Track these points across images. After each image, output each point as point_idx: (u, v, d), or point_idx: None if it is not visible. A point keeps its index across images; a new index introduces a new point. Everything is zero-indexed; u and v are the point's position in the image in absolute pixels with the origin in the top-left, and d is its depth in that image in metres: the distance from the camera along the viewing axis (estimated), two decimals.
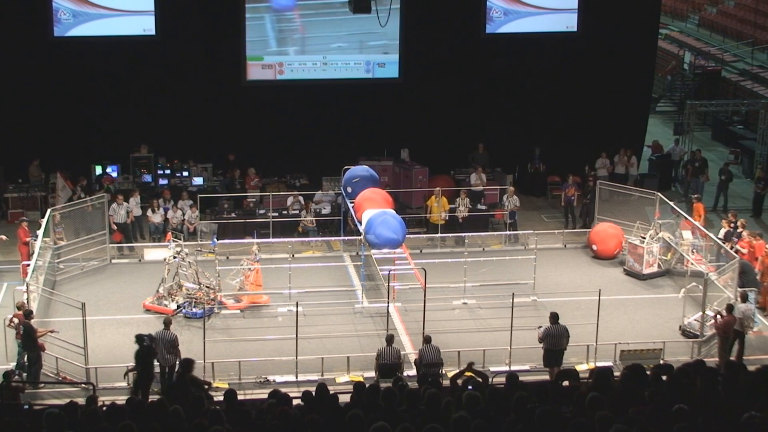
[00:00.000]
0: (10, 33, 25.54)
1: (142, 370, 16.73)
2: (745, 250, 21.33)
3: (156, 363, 17.08)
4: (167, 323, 17.31)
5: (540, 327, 17.76)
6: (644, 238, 22.51)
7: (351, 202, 22.23)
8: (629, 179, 27.71)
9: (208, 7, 26.54)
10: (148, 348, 16.85)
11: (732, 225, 22.65)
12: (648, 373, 11.06)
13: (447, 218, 24.40)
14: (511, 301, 18.35)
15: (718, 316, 18.65)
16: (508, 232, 24.47)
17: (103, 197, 23.41)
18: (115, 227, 23.41)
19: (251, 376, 17.67)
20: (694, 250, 22.23)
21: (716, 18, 41.60)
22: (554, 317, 17.61)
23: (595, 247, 23.58)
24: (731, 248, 21.38)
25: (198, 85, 26.64)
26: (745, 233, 22.17)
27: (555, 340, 17.48)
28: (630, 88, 28.64)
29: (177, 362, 17.13)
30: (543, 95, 28.09)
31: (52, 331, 17.90)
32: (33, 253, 20.34)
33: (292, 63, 27.12)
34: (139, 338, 16.92)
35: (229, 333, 19.62)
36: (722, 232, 22.70)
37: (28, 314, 17.50)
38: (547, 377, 16.90)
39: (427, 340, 17.24)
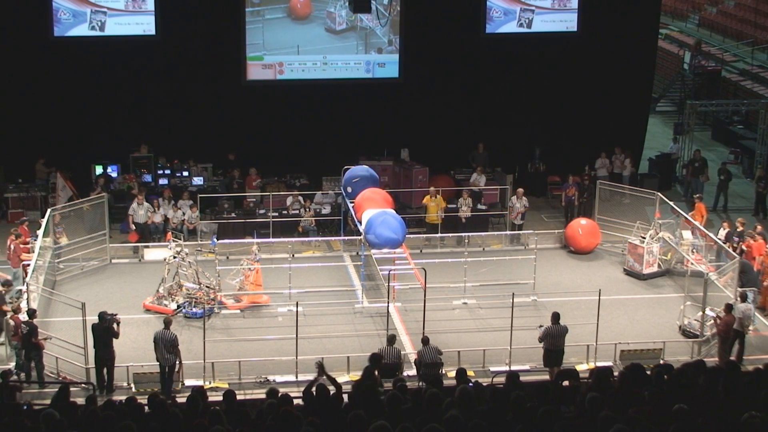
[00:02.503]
0: (10, 33, 25.54)
1: (97, 350, 17.06)
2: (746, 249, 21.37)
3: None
4: (167, 323, 17.32)
5: (541, 326, 17.78)
6: (644, 238, 22.51)
7: (351, 202, 22.24)
8: (622, 180, 27.71)
9: (208, 7, 26.53)
10: (103, 328, 17.05)
11: (743, 226, 22.54)
12: (648, 373, 11.07)
13: (443, 217, 24.35)
14: (511, 301, 18.35)
15: (718, 319, 18.64)
16: (513, 232, 24.47)
17: (103, 197, 23.41)
18: (134, 227, 23.42)
19: (251, 376, 17.66)
20: (694, 250, 22.23)
21: (716, 18, 41.59)
22: (555, 317, 17.63)
23: (572, 249, 23.94)
24: (734, 249, 21.38)
25: (198, 85, 26.63)
26: (759, 227, 22.15)
27: (555, 340, 17.49)
28: (630, 88, 28.64)
29: (177, 362, 17.18)
30: (543, 95, 28.09)
31: (47, 338, 17.90)
32: (33, 253, 20.34)
33: (292, 63, 27.10)
34: (101, 315, 17.20)
35: (229, 333, 19.62)
36: (722, 232, 22.69)
37: (32, 313, 17.52)
38: (547, 377, 16.90)
39: (425, 341, 17.25)
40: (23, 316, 17.60)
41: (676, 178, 29.57)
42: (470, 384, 11.87)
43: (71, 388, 16.59)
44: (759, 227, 22.46)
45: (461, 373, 13.39)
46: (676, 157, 29.50)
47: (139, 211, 23.45)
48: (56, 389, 12.69)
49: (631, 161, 28.31)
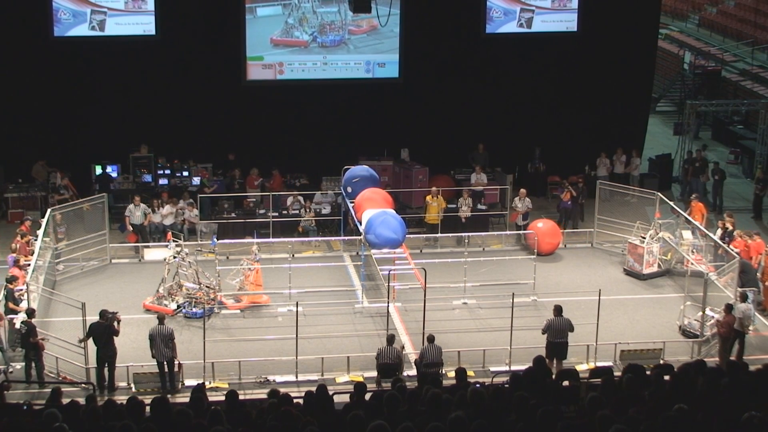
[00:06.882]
0: (10, 33, 25.55)
1: (98, 348, 17.07)
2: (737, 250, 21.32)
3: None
4: (161, 319, 17.44)
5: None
6: (644, 238, 22.51)
7: (351, 202, 22.24)
8: (631, 179, 27.68)
9: (208, 7, 26.54)
10: (104, 326, 17.10)
11: (733, 226, 22.55)
12: (648, 373, 11.07)
13: (441, 218, 24.32)
14: (511, 301, 18.36)
15: (720, 320, 18.63)
16: (516, 232, 24.46)
17: (104, 197, 23.40)
18: (131, 228, 23.40)
19: (251, 376, 17.66)
20: (694, 250, 22.22)
21: (716, 18, 41.60)
22: (557, 310, 17.72)
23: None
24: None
25: (198, 85, 26.63)
26: (756, 231, 22.14)
27: (557, 332, 17.57)
28: (630, 88, 28.64)
29: (173, 356, 17.19)
30: (543, 95, 28.09)
31: (44, 339, 17.89)
32: (33, 253, 20.33)
33: (292, 63, 27.11)
34: (102, 313, 17.26)
35: (229, 333, 19.62)
36: (718, 232, 22.65)
37: (31, 313, 17.51)
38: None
39: (430, 339, 17.27)
40: (22, 316, 17.60)
41: (675, 178, 29.55)
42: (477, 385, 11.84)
43: (71, 388, 16.80)
44: (756, 233, 22.41)
45: (461, 373, 13.37)
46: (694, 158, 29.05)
47: (136, 213, 23.42)
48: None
49: (640, 160, 28.33)
